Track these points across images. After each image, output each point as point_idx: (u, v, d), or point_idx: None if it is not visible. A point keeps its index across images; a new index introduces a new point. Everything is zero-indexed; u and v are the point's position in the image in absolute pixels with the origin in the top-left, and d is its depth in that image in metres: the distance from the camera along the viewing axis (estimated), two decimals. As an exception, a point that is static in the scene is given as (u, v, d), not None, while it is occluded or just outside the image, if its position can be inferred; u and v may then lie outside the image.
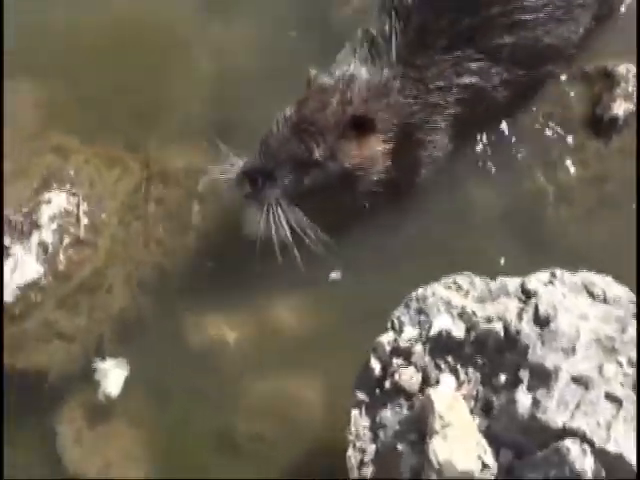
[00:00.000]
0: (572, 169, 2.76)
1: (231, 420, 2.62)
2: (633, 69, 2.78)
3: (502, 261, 2.64)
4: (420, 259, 2.66)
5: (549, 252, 2.59)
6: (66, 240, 2.76)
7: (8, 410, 2.65)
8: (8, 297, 2.70)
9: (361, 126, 2.47)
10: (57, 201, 2.79)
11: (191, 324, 2.75)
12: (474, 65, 2.54)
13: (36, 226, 2.76)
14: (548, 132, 2.82)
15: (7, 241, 2.76)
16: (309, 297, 2.73)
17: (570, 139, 2.79)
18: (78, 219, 2.78)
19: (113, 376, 2.69)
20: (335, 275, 2.75)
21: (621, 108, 2.76)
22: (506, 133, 2.83)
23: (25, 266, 2.72)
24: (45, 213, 2.77)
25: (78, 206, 2.79)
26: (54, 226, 2.76)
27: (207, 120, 2.99)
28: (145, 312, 2.78)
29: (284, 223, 2.46)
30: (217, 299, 2.74)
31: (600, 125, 2.78)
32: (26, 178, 2.85)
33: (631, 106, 2.75)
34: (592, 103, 2.82)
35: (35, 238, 2.75)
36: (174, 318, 2.76)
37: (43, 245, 2.74)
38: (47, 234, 2.75)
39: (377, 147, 2.52)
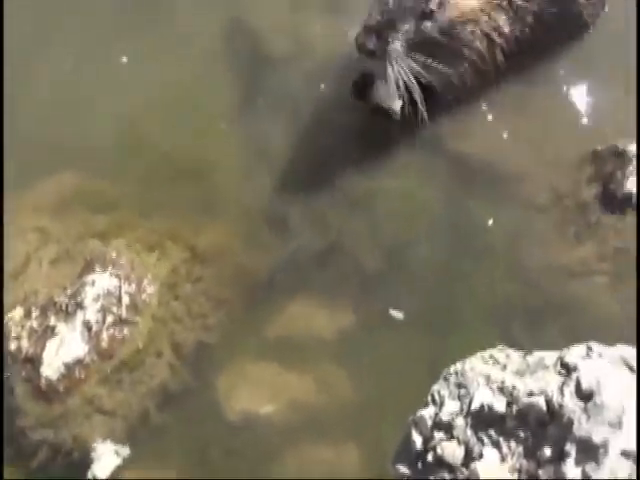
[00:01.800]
0: (590, 245, 2.89)
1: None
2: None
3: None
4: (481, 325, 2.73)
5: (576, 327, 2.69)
6: (109, 319, 2.87)
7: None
8: (53, 374, 2.81)
9: None
10: (100, 283, 2.91)
11: (228, 396, 2.84)
12: None
13: (80, 307, 2.88)
14: (565, 211, 2.96)
15: (53, 321, 2.88)
16: (355, 339, 2.74)
17: (586, 217, 2.92)
18: (120, 299, 2.90)
19: (105, 460, 2.77)
20: (396, 313, 2.72)
21: (634, 185, 2.91)
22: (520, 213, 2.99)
23: (70, 344, 2.83)
24: (89, 294, 2.89)
25: (120, 287, 2.92)
26: (97, 306, 2.88)
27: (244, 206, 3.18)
28: (184, 385, 2.87)
29: (409, 74, 2.73)
30: (255, 372, 2.86)
31: (615, 202, 2.93)
32: (71, 261, 3.00)
33: (644, 183, 2.90)
34: (605, 182, 2.96)
35: (80, 318, 2.86)
36: (212, 390, 2.86)
37: (87, 325, 2.86)
38: (91, 314, 2.86)
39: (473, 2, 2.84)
